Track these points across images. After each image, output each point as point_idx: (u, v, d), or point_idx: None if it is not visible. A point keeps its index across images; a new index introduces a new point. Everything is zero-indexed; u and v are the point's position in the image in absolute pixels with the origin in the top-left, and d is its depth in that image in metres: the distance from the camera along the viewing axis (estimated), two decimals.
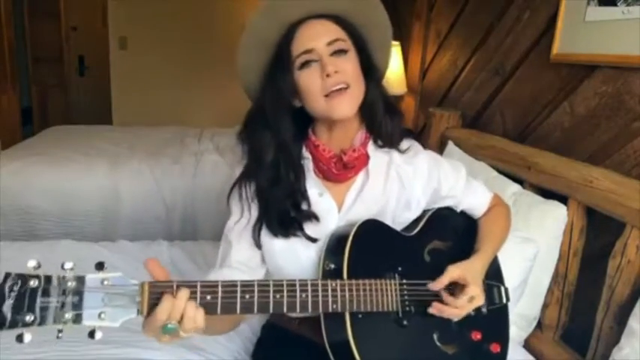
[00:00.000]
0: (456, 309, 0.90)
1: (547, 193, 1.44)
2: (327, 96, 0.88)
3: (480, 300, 0.92)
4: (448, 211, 1.09)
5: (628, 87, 1.31)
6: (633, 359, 1.07)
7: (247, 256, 0.97)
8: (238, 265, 0.96)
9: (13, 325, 0.62)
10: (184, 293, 0.70)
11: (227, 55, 4.28)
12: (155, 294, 0.69)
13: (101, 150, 2.74)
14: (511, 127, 1.82)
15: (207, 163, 2.61)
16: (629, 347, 1.09)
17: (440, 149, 1.97)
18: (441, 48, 2.37)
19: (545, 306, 1.42)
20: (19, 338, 0.62)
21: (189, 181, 2.47)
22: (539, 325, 1.44)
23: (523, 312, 1.38)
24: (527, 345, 1.44)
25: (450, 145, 1.92)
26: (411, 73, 2.60)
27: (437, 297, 0.92)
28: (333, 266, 0.88)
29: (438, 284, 0.90)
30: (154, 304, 0.69)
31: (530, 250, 1.31)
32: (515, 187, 1.52)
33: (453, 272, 0.91)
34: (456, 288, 0.92)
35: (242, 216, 0.98)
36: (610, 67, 1.37)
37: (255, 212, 0.97)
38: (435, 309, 0.90)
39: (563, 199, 1.38)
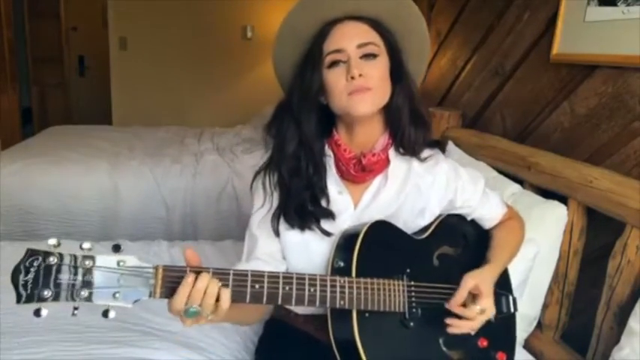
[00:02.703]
0: (470, 322, 0.91)
1: (547, 193, 1.44)
2: (349, 94, 0.90)
3: (490, 312, 0.93)
4: (459, 218, 1.09)
5: (628, 87, 1.31)
6: (633, 359, 1.07)
7: (274, 249, 0.99)
8: (266, 257, 0.98)
9: (31, 299, 0.64)
10: (205, 276, 0.72)
11: (227, 55, 4.29)
12: (169, 277, 0.71)
13: (101, 150, 2.74)
14: (511, 127, 1.82)
15: (207, 163, 2.62)
16: (629, 347, 1.09)
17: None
18: (441, 48, 2.37)
19: (545, 306, 1.42)
20: (37, 313, 0.65)
21: (189, 181, 2.48)
22: (539, 325, 1.44)
23: (523, 312, 1.37)
24: (527, 345, 1.44)
25: (450, 145, 1.92)
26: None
27: (444, 299, 0.92)
28: (342, 264, 0.89)
29: (458, 299, 0.91)
30: (169, 287, 0.71)
31: (530, 250, 1.30)
32: (515, 187, 1.52)
33: (469, 283, 0.92)
34: (467, 298, 0.93)
35: (263, 205, 0.99)
36: (610, 67, 1.37)
37: (276, 201, 0.98)
38: (451, 327, 0.91)
39: (563, 199, 1.38)
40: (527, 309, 1.38)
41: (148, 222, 2.39)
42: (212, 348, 1.23)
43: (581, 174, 1.31)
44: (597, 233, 1.36)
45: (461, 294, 0.91)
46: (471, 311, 0.91)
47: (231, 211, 2.43)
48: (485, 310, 0.92)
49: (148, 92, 4.34)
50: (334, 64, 0.91)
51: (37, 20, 5.00)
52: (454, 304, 0.91)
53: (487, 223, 1.12)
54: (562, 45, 1.53)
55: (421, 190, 1.01)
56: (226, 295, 0.73)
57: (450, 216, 1.06)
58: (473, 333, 0.94)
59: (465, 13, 2.17)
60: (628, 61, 1.29)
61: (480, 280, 0.93)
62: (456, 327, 0.92)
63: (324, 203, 0.97)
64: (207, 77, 4.35)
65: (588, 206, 1.32)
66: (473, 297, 0.93)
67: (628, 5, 1.29)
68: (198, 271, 0.73)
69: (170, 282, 0.71)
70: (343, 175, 0.99)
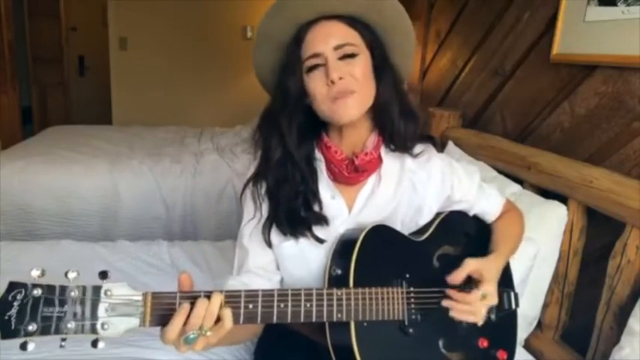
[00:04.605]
0: (468, 306, 0.88)
1: (547, 193, 1.44)
2: (332, 101, 0.87)
3: (493, 299, 0.90)
4: (460, 215, 1.06)
5: (628, 87, 1.31)
6: (633, 359, 1.07)
7: (266, 260, 0.97)
8: (257, 270, 0.96)
9: (16, 334, 0.62)
10: (218, 298, 0.69)
11: (227, 55, 4.29)
12: (158, 305, 0.69)
13: (101, 150, 2.74)
14: (511, 127, 1.82)
15: (207, 163, 2.62)
16: (629, 347, 1.09)
17: (440, 149, 1.97)
18: (441, 48, 2.37)
19: (545, 306, 1.42)
20: (23, 346, 0.62)
21: (189, 180, 2.48)
22: (539, 325, 1.44)
23: (523, 312, 1.37)
24: (527, 345, 1.44)
25: (450, 145, 1.92)
26: (411, 73, 2.61)
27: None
28: (339, 272, 0.87)
29: (457, 277, 0.88)
30: (158, 315, 0.68)
31: (530, 249, 1.30)
32: (515, 187, 1.52)
33: (471, 265, 0.89)
34: (468, 285, 0.90)
35: (254, 215, 0.97)
36: (610, 67, 1.37)
37: (265, 212, 0.96)
38: (446, 303, 0.88)
39: (563, 199, 1.38)
40: (527, 309, 1.39)
41: (148, 222, 2.39)
42: (212, 348, 1.23)
43: (581, 174, 1.31)
44: (597, 233, 1.36)
45: (460, 273, 0.88)
46: (471, 296, 0.88)
47: (231, 211, 2.43)
48: (486, 295, 0.88)
49: (148, 92, 4.34)
50: (313, 68, 0.88)
51: (37, 20, 4.98)
52: (451, 281, 0.89)
53: (489, 217, 1.10)
54: (562, 45, 1.53)
55: (416, 187, 0.99)
56: (227, 314, 0.70)
57: (450, 213, 1.04)
58: (480, 323, 0.90)
59: (465, 13, 2.17)
60: (628, 61, 1.29)
61: (482, 265, 0.90)
62: (456, 311, 0.88)
63: (316, 208, 0.94)
64: (207, 77, 4.35)
65: (588, 206, 1.32)
66: (475, 284, 0.90)
67: (628, 5, 1.29)
68: (193, 297, 0.69)
69: (159, 309, 0.68)
70: (336, 177, 0.96)
